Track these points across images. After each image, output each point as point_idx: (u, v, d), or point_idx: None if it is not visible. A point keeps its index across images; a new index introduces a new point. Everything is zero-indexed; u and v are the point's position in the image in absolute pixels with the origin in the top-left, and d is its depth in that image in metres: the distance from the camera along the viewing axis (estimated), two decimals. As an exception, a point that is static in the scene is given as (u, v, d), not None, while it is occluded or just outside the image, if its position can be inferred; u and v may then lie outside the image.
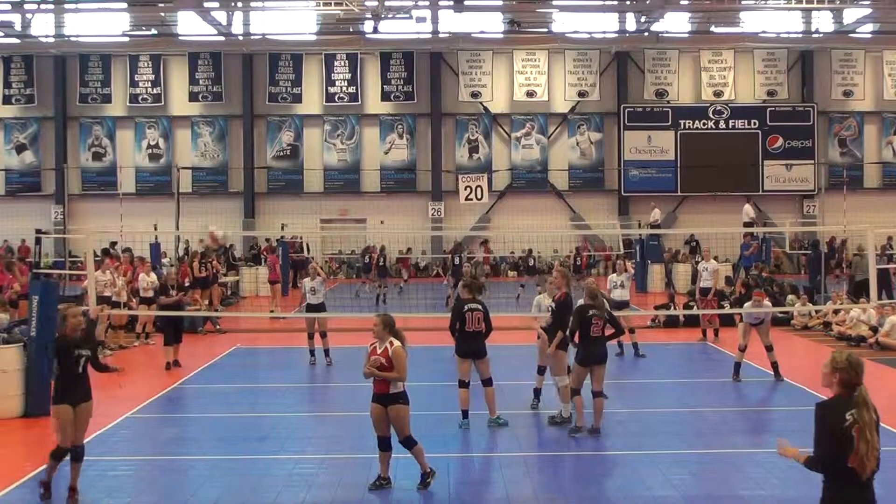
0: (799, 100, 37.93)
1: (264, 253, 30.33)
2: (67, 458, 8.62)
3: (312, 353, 16.08)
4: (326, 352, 16.08)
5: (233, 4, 34.53)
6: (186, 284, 21.61)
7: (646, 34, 36.19)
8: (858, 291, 22.28)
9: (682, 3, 34.84)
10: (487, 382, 11.28)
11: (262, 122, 37.80)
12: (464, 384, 11.23)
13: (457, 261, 27.05)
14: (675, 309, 20.92)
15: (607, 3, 35.47)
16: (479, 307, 11.23)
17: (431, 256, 37.01)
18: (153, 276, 19.39)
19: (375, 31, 34.05)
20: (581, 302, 11.29)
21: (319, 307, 16.14)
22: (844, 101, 37.92)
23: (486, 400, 11.36)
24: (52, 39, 36.50)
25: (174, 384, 14.58)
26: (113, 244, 26.55)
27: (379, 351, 8.67)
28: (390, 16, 33.00)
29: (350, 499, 8.64)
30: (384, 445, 8.83)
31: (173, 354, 15.90)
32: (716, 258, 22.03)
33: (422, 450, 8.88)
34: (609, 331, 11.09)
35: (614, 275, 17.77)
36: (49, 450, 8.70)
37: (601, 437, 10.80)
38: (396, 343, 8.67)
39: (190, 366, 16.14)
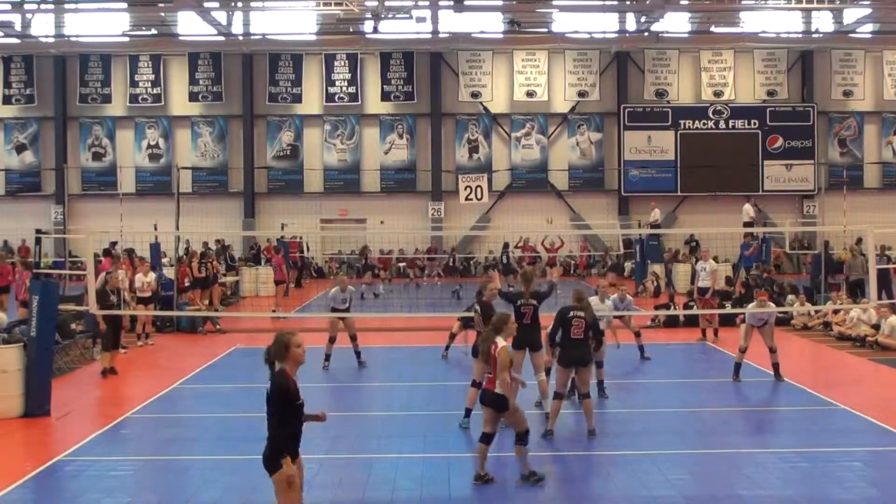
0: (799, 100, 37.93)
1: (266, 253, 30.31)
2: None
3: (328, 357, 15.59)
4: (358, 354, 15.81)
5: (233, 4, 34.49)
6: (186, 284, 21.72)
7: (646, 34, 36.15)
8: (853, 291, 22.33)
9: (682, 3, 34.79)
10: None
11: (262, 122, 37.80)
12: (475, 383, 11.22)
13: (505, 259, 28.02)
14: (675, 309, 20.92)
15: (607, 3, 35.39)
16: (480, 310, 11.27)
17: (432, 256, 36.97)
18: (151, 276, 19.39)
19: (375, 31, 34.02)
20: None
21: (345, 311, 15.88)
22: (844, 101, 37.90)
23: None
24: (52, 39, 36.46)
25: (174, 384, 14.57)
26: (113, 244, 26.54)
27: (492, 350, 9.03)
28: (390, 16, 32.97)
29: (350, 499, 8.63)
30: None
31: (110, 361, 15.19)
32: (715, 258, 22.07)
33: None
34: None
35: (616, 297, 16.20)
36: (48, 450, 8.69)
37: (601, 437, 10.79)
38: (501, 343, 9.08)
39: (190, 366, 16.13)
